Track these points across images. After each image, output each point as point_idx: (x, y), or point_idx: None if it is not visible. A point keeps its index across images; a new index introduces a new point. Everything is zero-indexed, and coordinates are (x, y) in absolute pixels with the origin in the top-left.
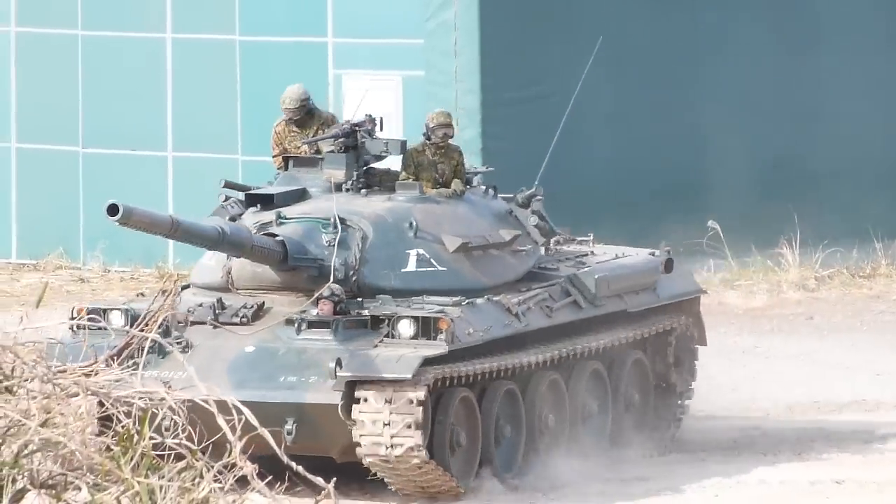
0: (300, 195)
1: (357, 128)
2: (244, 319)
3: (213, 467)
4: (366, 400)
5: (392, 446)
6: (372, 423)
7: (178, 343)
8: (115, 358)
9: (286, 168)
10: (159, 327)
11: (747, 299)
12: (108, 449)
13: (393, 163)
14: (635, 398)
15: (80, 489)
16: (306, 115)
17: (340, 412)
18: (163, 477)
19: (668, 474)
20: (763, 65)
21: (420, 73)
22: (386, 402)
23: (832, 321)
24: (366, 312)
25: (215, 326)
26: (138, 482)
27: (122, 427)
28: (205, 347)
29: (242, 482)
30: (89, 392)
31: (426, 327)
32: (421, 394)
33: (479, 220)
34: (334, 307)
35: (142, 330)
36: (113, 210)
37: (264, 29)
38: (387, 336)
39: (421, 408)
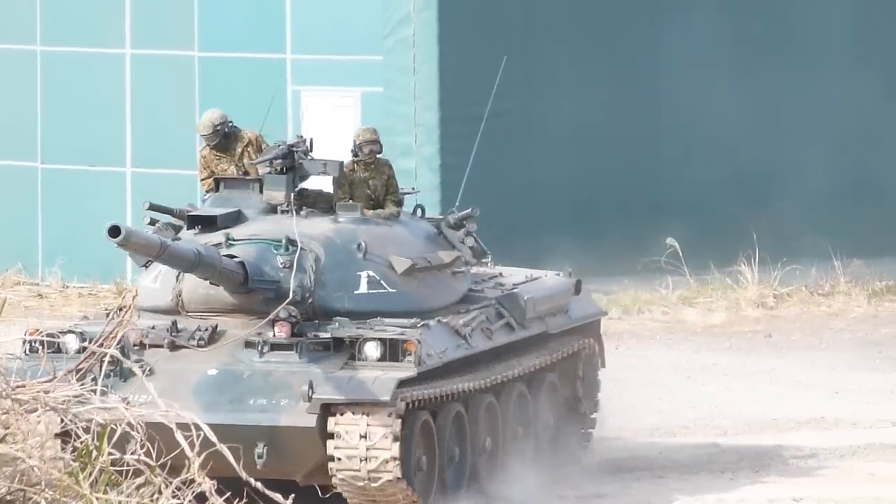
0: (237, 217)
1: (293, 148)
2: (201, 342)
3: (171, 483)
4: (342, 414)
5: (367, 459)
6: (347, 434)
7: (138, 364)
8: (74, 374)
9: (217, 189)
10: (117, 347)
11: (706, 316)
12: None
13: (321, 183)
14: (550, 420)
15: None
16: (225, 139)
17: (317, 435)
18: (122, 493)
19: (625, 492)
20: (722, 83)
21: (379, 90)
22: (364, 414)
23: (791, 339)
24: (326, 335)
25: (173, 349)
26: (97, 498)
27: (81, 443)
28: (166, 370)
29: (201, 498)
30: (48, 408)
31: (393, 350)
32: (401, 408)
33: (417, 242)
34: (291, 329)
35: (100, 346)
36: (115, 232)
37: (223, 45)
38: (351, 358)
39: (399, 420)
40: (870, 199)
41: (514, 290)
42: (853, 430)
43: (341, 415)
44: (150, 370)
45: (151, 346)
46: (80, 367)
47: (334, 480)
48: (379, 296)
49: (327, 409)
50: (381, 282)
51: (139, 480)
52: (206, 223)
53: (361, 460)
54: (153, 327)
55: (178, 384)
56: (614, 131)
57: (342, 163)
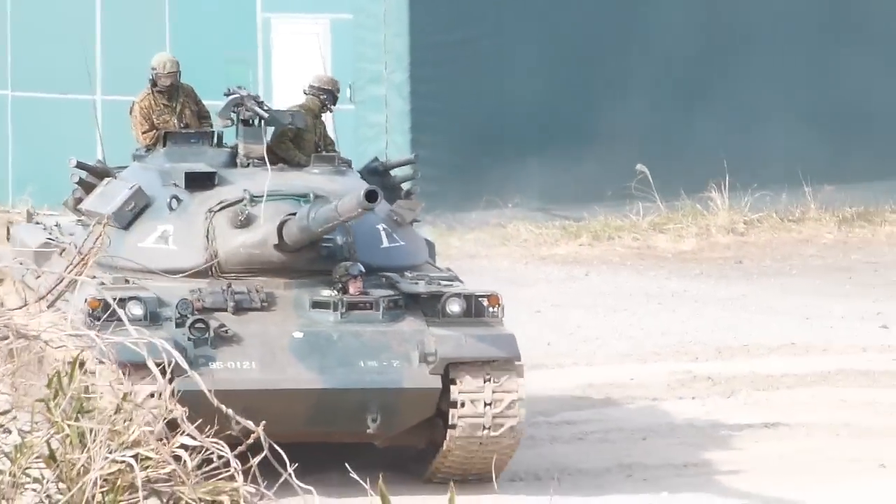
0: (212, 175)
1: (249, 98)
2: (264, 304)
3: (143, 409)
4: (461, 381)
5: (492, 427)
6: (472, 402)
7: (223, 330)
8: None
9: (163, 144)
10: (203, 312)
11: (676, 243)
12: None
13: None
14: None
15: (10, 432)
16: (173, 87)
17: (438, 395)
18: (93, 419)
19: (596, 417)
20: (694, 7)
21: (349, 17)
22: (486, 380)
23: (761, 265)
24: (389, 292)
25: (237, 312)
26: (68, 425)
27: (53, 369)
28: (247, 335)
29: (172, 426)
30: (19, 335)
31: (478, 305)
32: (523, 370)
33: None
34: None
35: (72, 272)
36: (373, 196)
37: None
38: (429, 314)
39: (524, 383)
40: (841, 125)
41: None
42: (824, 355)
43: (463, 373)
44: (234, 335)
45: (209, 309)
46: (51, 293)
47: (450, 440)
48: (394, 250)
49: (446, 371)
50: (393, 234)
51: (111, 408)
52: (205, 180)
53: (486, 404)
54: (197, 290)
55: (273, 349)
56: (585, 56)
57: (303, 114)
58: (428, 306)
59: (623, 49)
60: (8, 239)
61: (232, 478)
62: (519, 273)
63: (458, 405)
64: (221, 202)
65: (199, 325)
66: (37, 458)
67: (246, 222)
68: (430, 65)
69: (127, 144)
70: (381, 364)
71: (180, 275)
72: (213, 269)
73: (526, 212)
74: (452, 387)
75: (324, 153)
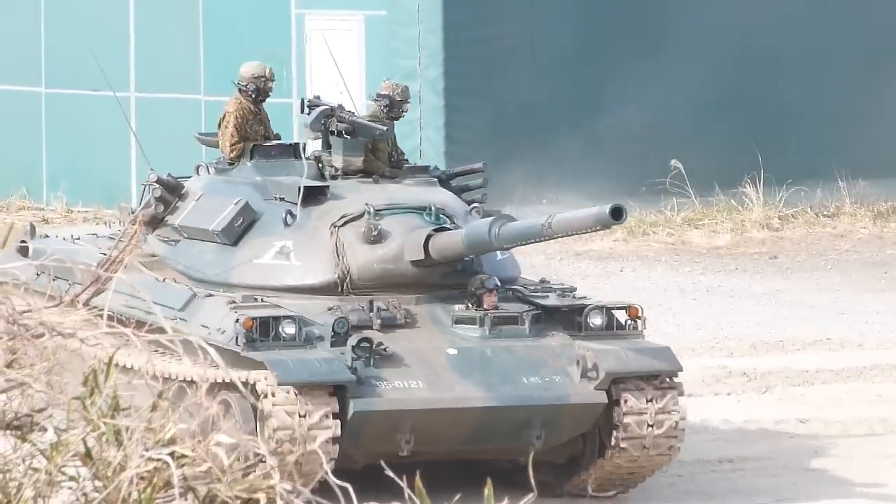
0: (325, 188)
1: (341, 109)
2: (407, 321)
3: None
4: (626, 401)
5: (653, 424)
6: (636, 404)
7: (382, 348)
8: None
9: (249, 157)
10: (352, 331)
11: (711, 238)
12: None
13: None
14: None
15: (46, 430)
16: (264, 93)
17: (603, 410)
18: (128, 416)
19: None
20: (729, 4)
21: (383, 13)
22: (648, 400)
23: (796, 260)
24: (523, 307)
25: (383, 329)
26: (104, 423)
27: (90, 367)
28: (403, 352)
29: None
30: (55, 332)
31: (612, 318)
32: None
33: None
34: (496, 300)
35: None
36: (618, 214)
37: None
38: (570, 328)
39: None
40: (875, 120)
41: None
42: (859, 351)
43: (627, 388)
44: (394, 353)
45: (357, 327)
46: (87, 291)
47: (615, 448)
48: (506, 262)
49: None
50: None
51: (147, 405)
52: (316, 193)
53: (649, 426)
54: (335, 308)
55: (433, 367)
56: (617, 51)
57: (391, 125)
58: (566, 320)
59: (657, 44)
60: (27, 255)
61: (269, 475)
62: (554, 269)
63: (622, 414)
64: (344, 216)
65: (364, 343)
66: (73, 455)
67: (379, 237)
68: (464, 61)
69: (160, 141)
70: (543, 380)
71: (307, 293)
72: (346, 285)
73: (560, 207)
74: (623, 394)
75: (406, 163)
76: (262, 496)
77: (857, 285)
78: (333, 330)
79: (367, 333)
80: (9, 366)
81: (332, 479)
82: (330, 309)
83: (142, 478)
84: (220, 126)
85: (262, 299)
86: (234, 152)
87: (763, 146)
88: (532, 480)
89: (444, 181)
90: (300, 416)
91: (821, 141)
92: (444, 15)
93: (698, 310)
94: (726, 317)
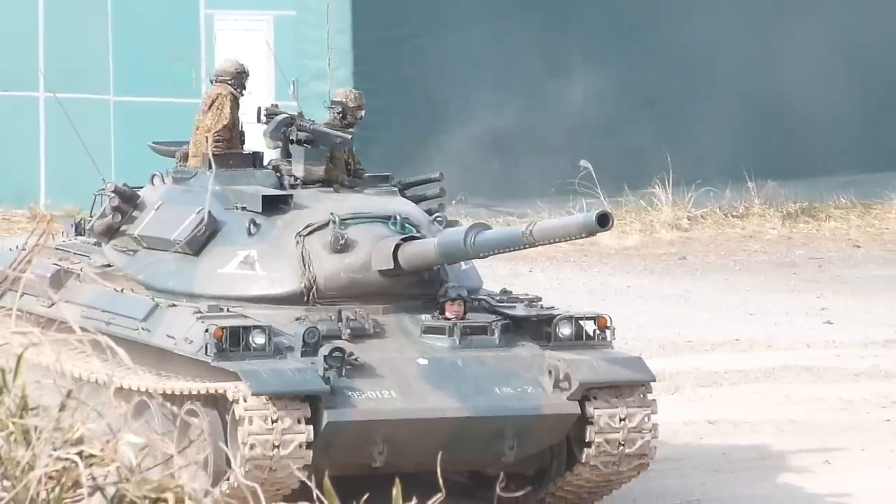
0: (289, 197)
1: (300, 118)
2: (376, 331)
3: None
4: (597, 397)
5: (625, 442)
6: (608, 417)
7: (353, 358)
8: None
9: (208, 167)
10: (346, 339)
11: (620, 239)
12: None
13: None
14: None
15: None
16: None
17: (575, 421)
18: (37, 416)
19: None
20: (639, 3)
21: (292, 13)
22: (621, 419)
23: (705, 261)
24: (490, 318)
25: (353, 339)
26: (13, 423)
27: None
28: (373, 362)
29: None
30: None
31: (581, 328)
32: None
33: None
34: (463, 309)
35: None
36: (605, 220)
37: None
38: (538, 338)
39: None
40: (783, 120)
41: None
42: (768, 352)
43: (597, 398)
44: (365, 363)
45: (326, 337)
46: None
47: (584, 465)
48: (470, 271)
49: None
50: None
51: (56, 405)
52: (280, 202)
53: (620, 444)
54: (302, 318)
55: (405, 377)
56: (528, 51)
57: (352, 134)
58: (534, 330)
59: (564, 44)
60: None
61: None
62: None
63: (594, 432)
64: (309, 225)
65: (336, 353)
66: None
67: (345, 246)
68: (374, 61)
69: (69, 145)
70: (515, 390)
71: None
72: (312, 294)
73: (469, 208)
74: (594, 411)
75: (360, 172)
76: (170, 496)
77: (766, 286)
78: (304, 340)
79: (337, 343)
80: None
81: (312, 483)
82: (297, 319)
83: (50, 477)
84: (209, 109)
85: (227, 309)
86: (222, 138)
87: (672, 146)
88: (499, 492)
89: (401, 191)
90: (273, 420)
91: (729, 141)
92: (353, 15)
93: (607, 310)
94: (635, 318)
